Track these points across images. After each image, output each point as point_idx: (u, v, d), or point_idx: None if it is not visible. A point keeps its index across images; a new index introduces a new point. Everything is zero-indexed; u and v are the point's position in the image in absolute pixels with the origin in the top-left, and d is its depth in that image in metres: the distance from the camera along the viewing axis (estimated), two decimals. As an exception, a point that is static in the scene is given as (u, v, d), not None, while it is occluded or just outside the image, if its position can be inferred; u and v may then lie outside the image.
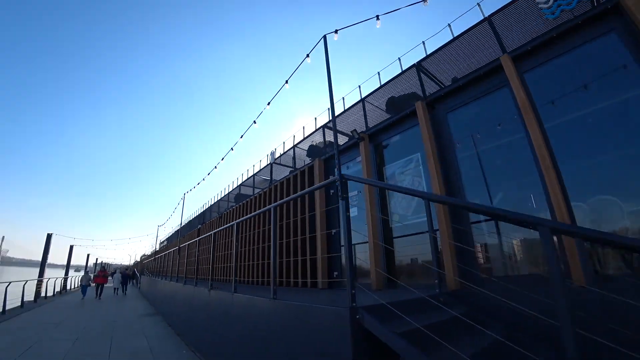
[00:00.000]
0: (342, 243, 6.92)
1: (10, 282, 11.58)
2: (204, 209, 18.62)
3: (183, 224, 21.22)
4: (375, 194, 6.24)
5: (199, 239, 8.05)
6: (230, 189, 14.86)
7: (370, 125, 7.35)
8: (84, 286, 16.45)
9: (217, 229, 6.81)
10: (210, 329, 5.88)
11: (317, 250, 7.00)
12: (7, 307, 11.42)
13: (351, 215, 6.55)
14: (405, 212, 5.72)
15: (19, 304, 12.73)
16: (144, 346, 6.88)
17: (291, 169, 10.11)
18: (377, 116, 7.39)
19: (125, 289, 20.57)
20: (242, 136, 10.10)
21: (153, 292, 15.94)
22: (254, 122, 9.36)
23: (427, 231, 3.72)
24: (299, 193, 4.21)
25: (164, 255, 16.26)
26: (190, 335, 7.07)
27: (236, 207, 12.39)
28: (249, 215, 5.38)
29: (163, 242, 29.28)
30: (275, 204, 4.83)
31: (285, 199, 4.68)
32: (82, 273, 17.68)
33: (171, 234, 26.60)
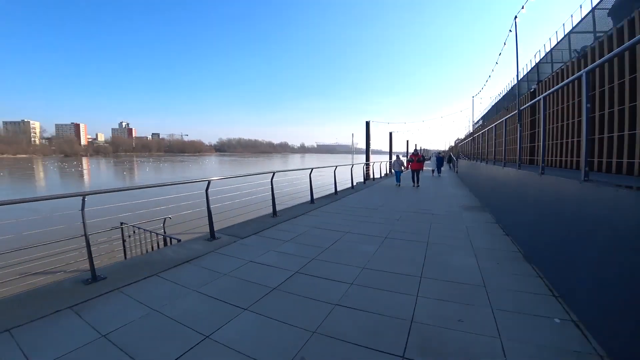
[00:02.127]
0: None
1: (336, 166, 12.63)
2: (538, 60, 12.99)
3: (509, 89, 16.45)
4: None
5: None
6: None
7: None
8: (397, 172, 16.65)
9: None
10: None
11: None
12: (341, 188, 12.76)
13: None
14: None
15: (350, 184, 14.25)
16: (472, 269, 4.19)
17: None
18: None
19: (440, 171, 22.63)
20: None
21: (474, 179, 13.53)
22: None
23: None
24: None
25: (482, 133, 13.03)
26: (559, 269, 3.56)
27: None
28: None
29: (478, 121, 26.11)
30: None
31: None
32: (394, 158, 17.54)
33: (488, 108, 22.63)
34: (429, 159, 40.53)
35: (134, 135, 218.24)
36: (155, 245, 7.12)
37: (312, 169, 10.14)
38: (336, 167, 12.59)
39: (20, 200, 3.64)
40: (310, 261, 4.53)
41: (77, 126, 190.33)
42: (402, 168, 16.76)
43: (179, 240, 6.23)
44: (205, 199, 5.65)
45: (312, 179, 10.04)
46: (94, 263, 3.99)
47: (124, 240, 7.29)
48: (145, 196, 6.41)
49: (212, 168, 69.31)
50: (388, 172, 23.61)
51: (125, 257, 7.04)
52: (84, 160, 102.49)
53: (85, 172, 58.74)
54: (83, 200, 3.95)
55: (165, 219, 7.85)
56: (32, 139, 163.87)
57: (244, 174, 7.75)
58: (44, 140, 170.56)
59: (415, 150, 17.88)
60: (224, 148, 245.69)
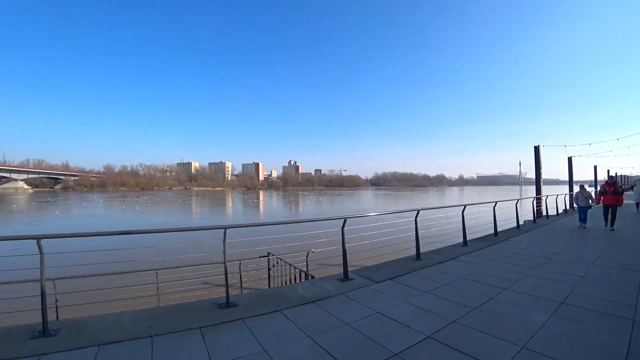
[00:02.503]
0: None
1: (496, 202, 10.76)
2: None
3: None
4: None
5: None
6: None
7: None
8: (581, 207, 12.60)
9: None
10: None
11: None
12: (503, 228, 10.84)
13: None
14: None
15: (515, 224, 11.92)
16: None
17: None
18: None
19: None
20: None
21: None
22: None
23: None
24: None
25: None
26: None
27: None
28: None
29: None
30: None
31: None
32: (577, 189, 13.45)
33: None
34: (631, 188, 30.97)
35: (300, 171, 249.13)
36: (293, 277, 7.36)
37: (464, 206, 8.86)
38: (495, 203, 10.70)
39: (180, 229, 4.21)
40: (449, 324, 3.63)
41: (256, 165, 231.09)
42: (590, 202, 12.79)
43: (312, 277, 6.22)
44: (341, 237, 5.48)
45: (465, 217, 8.77)
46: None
47: (269, 269, 7.84)
48: (293, 230, 6.72)
49: (362, 201, 70.94)
50: (569, 207, 18.95)
51: (269, 286, 7.52)
52: (260, 193, 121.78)
53: (260, 202, 69.26)
54: (225, 232, 4.31)
55: (308, 252, 8.10)
56: (226, 175, 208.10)
57: (385, 211, 7.36)
58: (233, 177, 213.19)
59: (611, 178, 12.98)
60: (379, 182, 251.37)
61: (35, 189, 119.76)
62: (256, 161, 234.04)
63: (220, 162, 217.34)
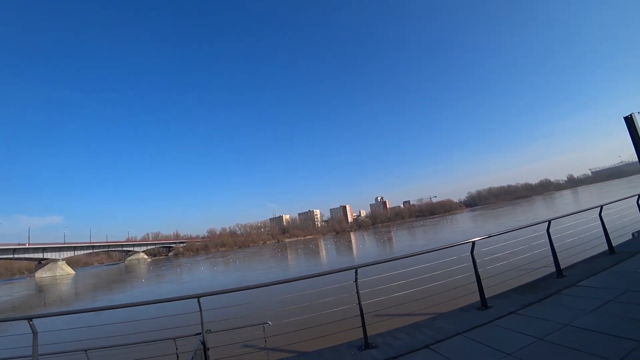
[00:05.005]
0: None
1: (601, 207, 8.20)
2: None
3: None
4: None
5: None
6: None
7: None
8: None
9: None
10: None
11: None
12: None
13: None
14: None
15: None
16: None
17: None
18: None
19: None
20: None
21: None
22: None
23: None
24: None
25: None
26: None
27: None
28: None
29: None
30: None
31: None
32: None
33: None
34: None
35: (388, 206, 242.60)
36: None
37: (549, 222, 6.79)
38: (601, 208, 8.11)
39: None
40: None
41: (344, 208, 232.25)
42: None
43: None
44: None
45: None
46: None
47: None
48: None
49: (437, 231, 62.58)
50: None
51: None
52: (351, 235, 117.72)
53: (353, 244, 67.41)
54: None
55: (264, 325, 6.72)
56: (316, 222, 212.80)
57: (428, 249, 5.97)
58: (323, 223, 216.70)
59: None
60: (474, 202, 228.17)
61: (153, 258, 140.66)
62: (343, 204, 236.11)
63: (309, 210, 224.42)
